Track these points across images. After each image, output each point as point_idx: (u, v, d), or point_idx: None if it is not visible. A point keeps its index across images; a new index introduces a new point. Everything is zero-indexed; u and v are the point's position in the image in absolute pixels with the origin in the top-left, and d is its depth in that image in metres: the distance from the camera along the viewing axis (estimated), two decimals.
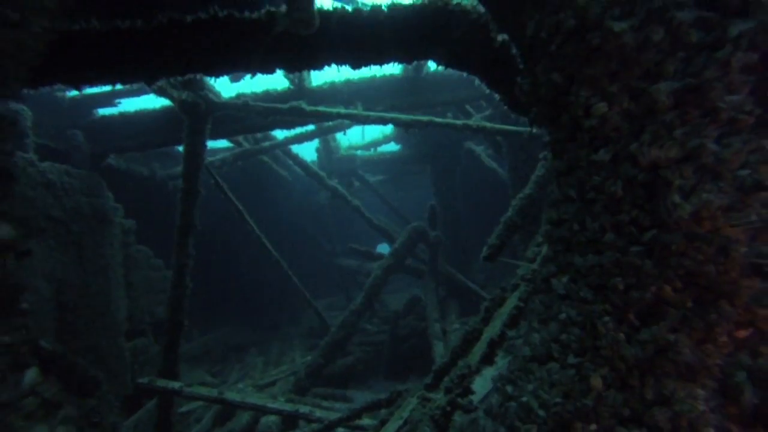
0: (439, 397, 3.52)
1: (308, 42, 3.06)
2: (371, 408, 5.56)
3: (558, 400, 1.26)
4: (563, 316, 1.36)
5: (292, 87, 8.01)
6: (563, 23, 1.35)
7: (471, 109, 9.78)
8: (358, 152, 15.43)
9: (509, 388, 1.43)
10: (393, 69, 8.17)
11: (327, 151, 14.50)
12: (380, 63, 3.70)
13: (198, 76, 6.53)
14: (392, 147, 16.13)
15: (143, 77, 3.56)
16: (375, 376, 9.36)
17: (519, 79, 1.68)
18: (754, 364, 1.13)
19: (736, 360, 1.15)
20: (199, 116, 6.83)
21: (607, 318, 1.24)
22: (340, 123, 9.60)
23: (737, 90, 1.16)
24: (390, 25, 3.22)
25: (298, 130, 9.80)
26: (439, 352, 7.44)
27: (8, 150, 1.30)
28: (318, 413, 6.33)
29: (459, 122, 6.79)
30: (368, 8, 3.22)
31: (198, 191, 6.88)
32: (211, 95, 6.88)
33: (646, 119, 1.24)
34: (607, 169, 1.29)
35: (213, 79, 3.99)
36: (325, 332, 9.34)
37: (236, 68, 3.39)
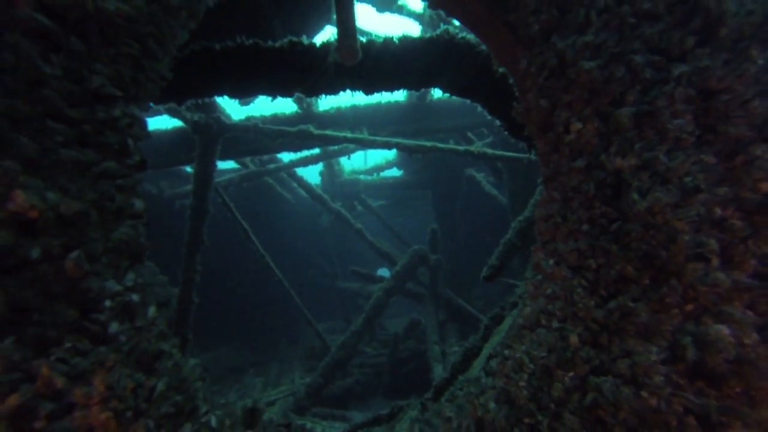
0: None
1: (334, 70, 3.41)
2: (372, 423, 5.68)
3: (543, 354, 1.55)
4: (549, 291, 1.66)
5: (299, 111, 8.35)
6: (547, 61, 1.71)
7: (473, 136, 10.12)
8: (361, 177, 15.75)
9: (506, 351, 1.71)
10: (398, 96, 8.51)
11: (331, 174, 14.80)
12: (390, 90, 4.04)
13: (209, 100, 6.93)
14: (394, 172, 16.46)
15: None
16: (374, 398, 9.34)
17: (515, 104, 2.05)
18: (697, 330, 1.42)
19: (683, 327, 1.44)
20: (211, 137, 7.05)
21: (581, 290, 1.54)
22: (345, 147, 9.93)
23: (681, 116, 1.51)
24: (401, 55, 3.56)
25: (303, 153, 10.09)
26: (439, 374, 7.50)
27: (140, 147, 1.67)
28: (318, 429, 6.45)
29: (461, 148, 7.09)
30: (380, 39, 3.56)
31: (207, 209, 7.05)
32: (222, 117, 7.18)
33: (612, 136, 1.58)
34: (583, 174, 1.63)
35: (239, 101, 4.33)
36: (325, 354, 9.33)
37: (283, 92, 3.77)
